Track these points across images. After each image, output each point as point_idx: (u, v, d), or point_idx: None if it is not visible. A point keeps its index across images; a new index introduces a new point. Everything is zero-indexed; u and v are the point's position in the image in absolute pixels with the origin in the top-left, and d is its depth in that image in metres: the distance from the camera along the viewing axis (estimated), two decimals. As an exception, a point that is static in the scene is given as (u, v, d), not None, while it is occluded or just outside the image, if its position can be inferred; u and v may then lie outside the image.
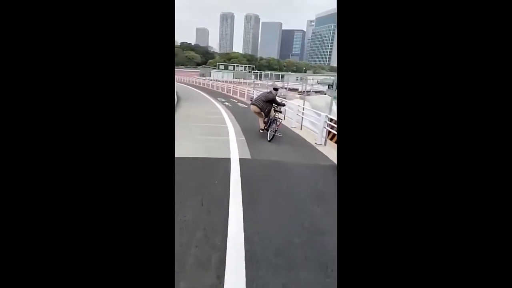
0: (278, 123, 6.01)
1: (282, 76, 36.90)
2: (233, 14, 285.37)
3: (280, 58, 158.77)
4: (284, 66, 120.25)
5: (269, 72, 38.45)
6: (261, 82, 38.94)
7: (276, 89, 6.36)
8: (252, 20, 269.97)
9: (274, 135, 5.86)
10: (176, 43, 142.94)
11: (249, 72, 40.58)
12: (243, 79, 41.09)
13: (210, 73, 51.14)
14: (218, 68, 50.55)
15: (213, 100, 13.85)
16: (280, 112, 6.46)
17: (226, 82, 40.55)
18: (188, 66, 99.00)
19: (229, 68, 50.81)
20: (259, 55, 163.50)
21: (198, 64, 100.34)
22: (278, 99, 6.33)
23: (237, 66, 53.91)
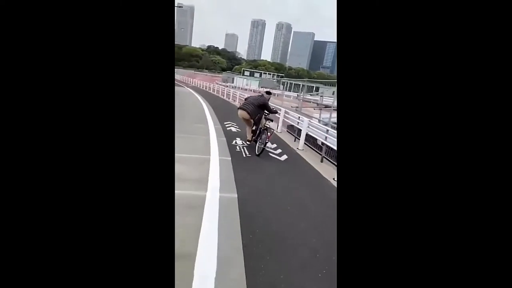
0: (269, 133, 5.07)
1: (317, 89, 30.15)
2: (264, 21, 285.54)
3: (309, 70, 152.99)
4: (314, 78, 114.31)
5: (301, 82, 32.27)
6: (291, 94, 33.20)
7: (269, 93, 5.78)
8: (283, 29, 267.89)
9: (263, 148, 5.00)
10: (203, 46, 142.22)
11: (278, 81, 34.56)
12: (271, 88, 35.68)
13: (233, 79, 46.02)
14: (243, 74, 45.25)
15: (212, 131, 6.48)
16: (272, 120, 5.39)
17: (250, 91, 35.14)
18: (213, 70, 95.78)
19: (254, 75, 45.47)
20: (287, 64, 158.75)
21: (223, 70, 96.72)
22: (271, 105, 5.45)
23: (263, 73, 48.22)
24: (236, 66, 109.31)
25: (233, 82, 45.47)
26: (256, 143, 5.18)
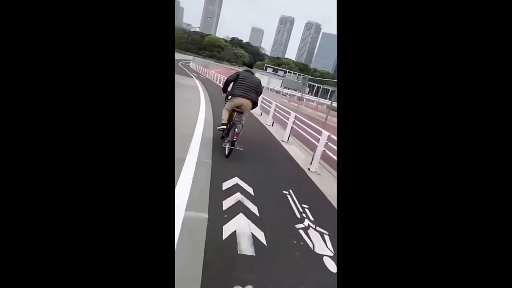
0: (237, 129, 3.82)
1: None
2: (293, 18, 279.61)
3: (335, 74, 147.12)
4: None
5: (331, 88, 27.76)
6: (321, 100, 28.80)
7: (248, 70, 4.50)
8: (312, 29, 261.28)
9: (232, 148, 3.84)
10: (227, 38, 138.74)
11: (303, 82, 29.98)
12: (295, 90, 31.14)
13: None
14: (265, 70, 41.02)
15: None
16: (242, 113, 3.99)
17: (272, 91, 30.86)
18: (234, 63, 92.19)
19: (278, 73, 41.25)
20: (312, 66, 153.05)
21: (245, 64, 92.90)
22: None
23: (288, 72, 43.57)
24: (258, 62, 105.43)
25: (253, 79, 41.67)
26: (225, 141, 4.07)
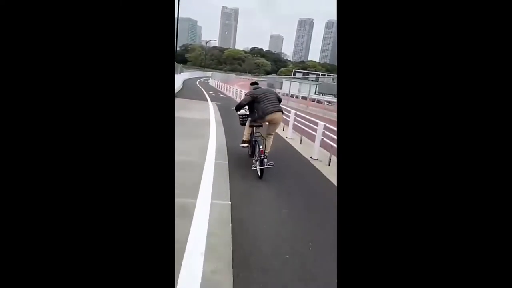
0: (261, 146, 3.59)
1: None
2: (312, 20, 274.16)
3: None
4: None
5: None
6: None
7: (255, 83, 4.34)
8: (333, 27, 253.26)
9: (262, 169, 3.53)
10: (246, 49, 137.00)
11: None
12: (333, 96, 26.09)
13: (281, 84, 37.80)
14: (294, 76, 36.30)
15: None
16: (260, 125, 3.95)
17: (305, 100, 25.81)
18: (256, 73, 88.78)
19: (309, 78, 36.39)
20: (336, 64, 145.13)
21: (268, 73, 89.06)
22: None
23: (321, 75, 38.38)
24: (282, 69, 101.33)
25: (281, 88, 36.91)
26: (255, 160, 3.72)
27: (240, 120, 4.44)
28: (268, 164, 3.55)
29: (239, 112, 4.28)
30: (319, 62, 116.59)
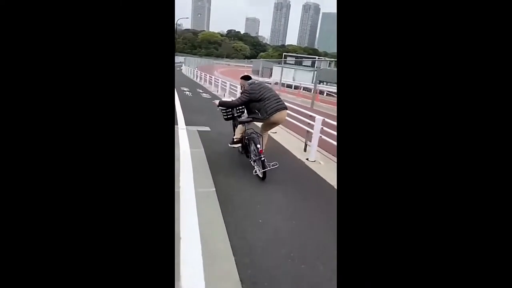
0: (258, 145, 3.19)
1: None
2: (289, 2, 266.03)
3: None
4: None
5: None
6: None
7: (248, 78, 3.68)
8: (311, 10, 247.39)
9: (265, 171, 3.08)
10: (222, 32, 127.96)
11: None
12: (334, 83, 20.98)
13: (271, 71, 31.94)
14: (285, 63, 30.48)
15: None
16: (251, 120, 3.50)
17: (306, 92, 20.14)
18: (235, 58, 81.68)
19: (303, 64, 30.78)
20: (317, 49, 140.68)
21: (246, 57, 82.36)
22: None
23: (318, 60, 32.68)
24: (262, 53, 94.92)
25: (270, 76, 31.00)
26: (253, 162, 3.30)
27: (224, 115, 3.85)
28: (271, 165, 3.09)
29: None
30: (300, 46, 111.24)
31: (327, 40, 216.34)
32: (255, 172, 3.15)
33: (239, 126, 3.60)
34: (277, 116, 3.29)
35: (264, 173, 3.05)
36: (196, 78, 19.31)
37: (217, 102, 3.70)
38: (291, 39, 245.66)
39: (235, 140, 3.65)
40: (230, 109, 3.78)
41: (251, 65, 36.58)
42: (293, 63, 31.35)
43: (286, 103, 3.53)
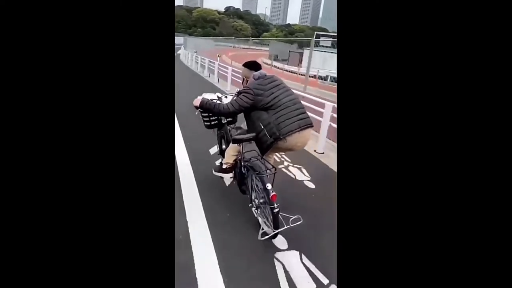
0: (267, 183, 1.89)
1: None
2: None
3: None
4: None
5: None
6: None
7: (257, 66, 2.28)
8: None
9: (277, 234, 1.91)
10: (219, 9, 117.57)
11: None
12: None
13: (301, 56, 24.26)
14: (318, 45, 22.93)
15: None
16: (251, 138, 2.08)
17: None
18: (236, 39, 73.06)
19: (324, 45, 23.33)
20: (327, 29, 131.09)
21: (246, 37, 73.36)
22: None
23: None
24: (265, 33, 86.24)
25: (300, 63, 23.33)
26: (255, 208, 2.15)
27: (206, 121, 2.50)
28: (291, 221, 1.87)
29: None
30: (309, 26, 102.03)
31: (330, 19, 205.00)
32: (262, 230, 1.96)
33: (233, 145, 2.29)
34: (297, 137, 1.99)
35: (275, 236, 1.91)
36: (201, 70, 12.09)
37: (199, 99, 2.16)
38: (293, 18, 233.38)
39: (224, 166, 2.40)
40: (212, 114, 2.39)
41: (264, 48, 28.76)
42: (330, 45, 23.79)
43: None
